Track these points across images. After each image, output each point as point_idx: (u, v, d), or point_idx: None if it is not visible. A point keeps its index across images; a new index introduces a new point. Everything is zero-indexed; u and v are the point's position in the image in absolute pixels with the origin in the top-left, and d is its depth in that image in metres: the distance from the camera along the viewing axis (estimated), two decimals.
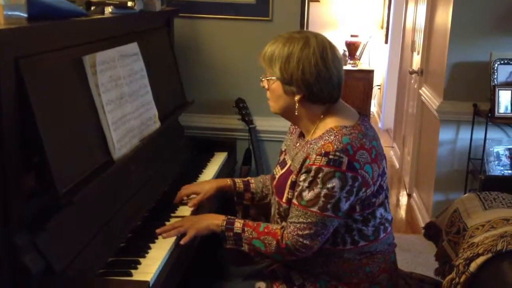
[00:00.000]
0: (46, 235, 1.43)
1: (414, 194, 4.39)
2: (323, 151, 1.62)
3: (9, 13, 1.44)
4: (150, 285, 1.49)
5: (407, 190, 4.62)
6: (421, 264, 3.17)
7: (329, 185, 1.60)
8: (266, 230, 1.72)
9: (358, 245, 1.73)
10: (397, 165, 5.30)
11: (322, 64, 1.66)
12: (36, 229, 1.42)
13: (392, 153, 5.67)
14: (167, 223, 1.88)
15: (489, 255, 1.73)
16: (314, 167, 1.62)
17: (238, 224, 1.75)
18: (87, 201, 1.62)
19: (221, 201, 2.13)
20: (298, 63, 1.66)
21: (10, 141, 1.37)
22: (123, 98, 1.92)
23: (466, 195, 2.26)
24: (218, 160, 2.64)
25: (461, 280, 1.76)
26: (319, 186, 1.61)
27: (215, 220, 1.78)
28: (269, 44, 1.74)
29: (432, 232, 2.26)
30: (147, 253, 1.67)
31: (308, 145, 1.71)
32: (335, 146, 1.62)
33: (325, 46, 1.68)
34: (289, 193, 1.72)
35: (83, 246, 1.56)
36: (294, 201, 1.68)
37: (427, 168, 3.95)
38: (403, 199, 4.55)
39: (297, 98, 1.70)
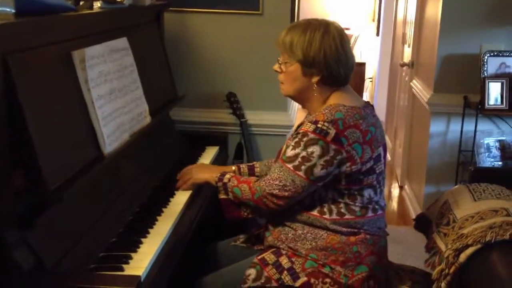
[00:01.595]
0: (37, 231, 1.43)
1: (406, 186, 4.41)
2: (314, 119, 1.76)
3: None
4: (142, 279, 1.49)
5: (399, 182, 4.65)
6: (413, 256, 3.19)
7: (309, 150, 1.74)
8: (244, 180, 1.92)
9: (344, 217, 1.81)
10: (389, 157, 5.33)
11: (341, 49, 1.80)
12: (27, 225, 1.42)
13: None
14: (158, 217, 1.89)
15: (478, 246, 1.75)
16: (302, 131, 1.77)
17: (228, 176, 1.96)
18: (78, 197, 1.62)
19: None
20: (320, 47, 1.78)
21: None
22: (112, 93, 1.92)
23: (456, 187, 2.28)
24: (209, 154, 2.65)
25: (451, 271, 1.78)
26: (300, 147, 1.75)
27: (213, 173, 2.01)
28: (286, 30, 1.85)
29: (422, 223, 2.28)
30: (139, 247, 1.67)
31: (308, 117, 1.85)
32: (326, 117, 1.75)
33: (343, 33, 1.84)
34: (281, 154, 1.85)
35: (74, 241, 1.56)
36: (280, 155, 1.84)
37: (418, 160, 3.97)
38: (395, 191, 4.58)
39: (315, 79, 1.82)
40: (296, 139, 1.77)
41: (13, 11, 1.47)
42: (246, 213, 1.95)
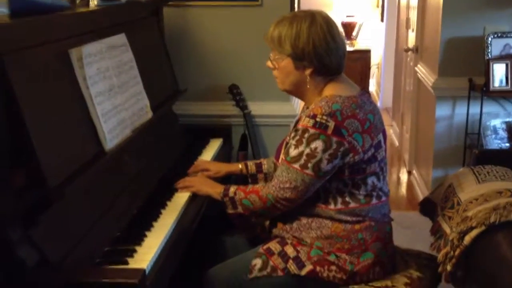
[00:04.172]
0: (40, 228, 1.45)
1: (414, 171, 4.40)
2: (312, 113, 1.75)
3: None
4: (147, 272, 1.51)
5: (407, 167, 4.63)
6: (422, 241, 3.14)
7: (312, 146, 1.72)
8: (251, 189, 1.87)
9: (348, 206, 1.81)
10: (397, 143, 5.30)
11: (330, 37, 1.79)
12: (30, 223, 1.44)
13: (391, 131, 5.67)
14: (162, 210, 1.91)
15: (483, 227, 1.75)
16: (301, 127, 1.75)
17: (232, 189, 1.91)
18: (81, 192, 1.64)
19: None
20: (308, 38, 1.77)
21: None
22: (112, 90, 1.93)
23: (460, 170, 2.27)
24: (213, 147, 2.65)
25: (456, 253, 1.78)
26: (303, 145, 1.73)
27: (217, 189, 1.96)
28: (274, 25, 1.84)
29: (428, 208, 2.28)
30: (143, 241, 1.68)
31: (306, 111, 1.83)
32: (323, 110, 1.73)
33: (330, 21, 1.82)
34: (283, 154, 1.83)
35: (78, 237, 1.57)
36: (282, 156, 1.82)
37: (425, 145, 3.95)
38: (403, 177, 4.57)
39: (308, 72, 1.81)
40: (297, 137, 1.76)
41: (8, 12, 1.48)
42: (256, 221, 1.93)
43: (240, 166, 2.22)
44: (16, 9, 1.50)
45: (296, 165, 1.74)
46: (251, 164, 2.20)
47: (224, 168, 2.25)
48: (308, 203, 1.82)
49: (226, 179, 2.21)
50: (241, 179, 2.22)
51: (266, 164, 2.19)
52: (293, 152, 1.75)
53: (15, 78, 1.43)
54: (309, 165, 1.72)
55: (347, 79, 1.90)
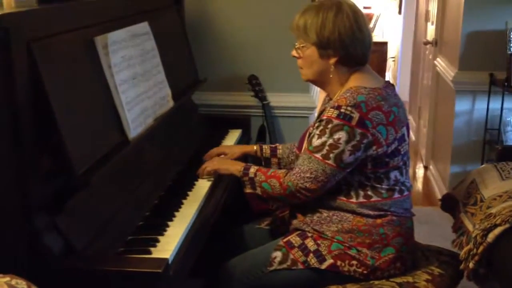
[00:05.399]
0: (66, 215, 1.45)
1: (431, 166, 4.37)
2: (336, 105, 1.74)
3: None
4: (169, 262, 1.50)
5: (423, 162, 4.60)
6: (439, 236, 3.15)
7: (336, 136, 1.71)
8: (272, 174, 1.86)
9: (370, 200, 1.79)
10: (414, 138, 5.27)
11: (356, 26, 1.78)
12: (55, 210, 1.44)
13: None
14: (184, 200, 1.90)
15: (507, 225, 1.73)
16: (325, 118, 1.74)
17: (253, 169, 1.91)
18: (105, 181, 1.64)
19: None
20: (334, 27, 1.76)
21: (26, 124, 1.38)
22: (135, 78, 1.92)
23: (483, 166, 2.26)
24: (232, 137, 2.65)
25: (479, 250, 1.77)
26: (326, 135, 1.73)
27: (237, 166, 1.96)
28: (299, 14, 1.84)
29: (449, 204, 2.26)
30: (166, 230, 1.68)
31: (330, 102, 1.82)
32: (348, 101, 1.72)
33: (357, 10, 1.81)
34: (306, 143, 1.82)
35: (102, 225, 1.58)
36: (305, 145, 1.81)
37: (443, 140, 3.92)
38: (420, 172, 4.54)
39: (332, 61, 1.80)
40: (321, 127, 1.75)
41: None
42: (274, 206, 1.94)
43: (255, 147, 2.22)
44: None
45: (318, 155, 1.73)
46: (266, 148, 2.20)
47: (238, 149, 2.25)
48: (330, 195, 1.81)
49: (242, 160, 2.19)
50: (258, 160, 2.22)
51: (281, 149, 2.19)
52: (316, 142, 1.74)
53: (43, 65, 1.42)
54: (331, 155, 1.72)
55: (371, 70, 1.88)
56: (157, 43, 2.15)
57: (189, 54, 2.66)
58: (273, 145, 2.22)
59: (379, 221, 1.80)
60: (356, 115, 1.70)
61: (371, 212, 1.79)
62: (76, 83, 1.61)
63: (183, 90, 2.45)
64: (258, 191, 1.88)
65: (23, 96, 1.37)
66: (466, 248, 1.82)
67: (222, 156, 2.21)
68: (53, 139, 1.44)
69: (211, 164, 2.08)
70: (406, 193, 1.86)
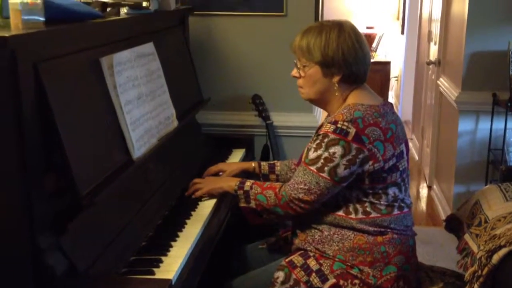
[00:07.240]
0: (69, 235, 1.45)
1: (435, 186, 4.36)
2: (333, 120, 1.77)
3: (27, 17, 1.46)
4: (173, 283, 1.50)
5: (427, 182, 4.59)
6: (443, 257, 3.15)
7: (331, 150, 1.74)
8: (269, 186, 1.89)
9: (369, 216, 1.80)
10: (417, 157, 5.26)
11: (358, 45, 1.83)
12: (59, 230, 1.44)
13: (411, 145, 5.63)
14: (187, 220, 1.90)
15: (511, 247, 1.71)
16: (322, 132, 1.78)
17: (248, 183, 1.93)
18: (109, 201, 1.64)
19: None
20: (337, 46, 1.81)
21: (31, 144, 1.39)
22: (140, 98, 1.93)
23: (487, 186, 2.25)
24: (236, 157, 2.65)
25: (484, 272, 1.75)
26: (322, 149, 1.76)
27: (230, 182, 1.98)
28: (300, 35, 1.87)
29: (453, 224, 2.25)
30: (169, 251, 1.68)
31: (327, 118, 1.86)
32: (345, 117, 1.76)
33: (356, 30, 1.87)
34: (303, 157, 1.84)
35: (105, 245, 1.58)
36: (303, 159, 1.83)
37: (447, 160, 3.92)
38: (423, 191, 4.52)
39: (336, 79, 1.83)
40: (317, 141, 1.78)
41: (43, 19, 1.49)
42: (268, 218, 1.93)
43: (253, 164, 2.23)
44: (51, 17, 1.51)
45: (313, 168, 1.75)
46: (264, 164, 2.22)
47: (236, 166, 2.27)
48: (329, 212, 1.82)
49: (242, 176, 2.17)
50: (257, 177, 2.21)
51: (279, 166, 2.20)
52: (312, 155, 1.77)
53: (49, 85, 1.44)
54: (326, 168, 1.74)
55: (369, 89, 1.92)
56: (162, 63, 2.17)
57: (193, 74, 2.68)
58: (272, 162, 2.24)
59: (380, 239, 1.80)
60: (352, 130, 1.72)
61: (370, 228, 1.79)
62: (82, 104, 1.62)
63: (187, 110, 2.46)
64: (253, 204, 1.89)
65: (28, 116, 1.38)
66: (470, 270, 1.80)
67: (221, 173, 2.22)
68: (58, 159, 1.45)
69: (200, 188, 2.07)
70: (406, 210, 1.86)
